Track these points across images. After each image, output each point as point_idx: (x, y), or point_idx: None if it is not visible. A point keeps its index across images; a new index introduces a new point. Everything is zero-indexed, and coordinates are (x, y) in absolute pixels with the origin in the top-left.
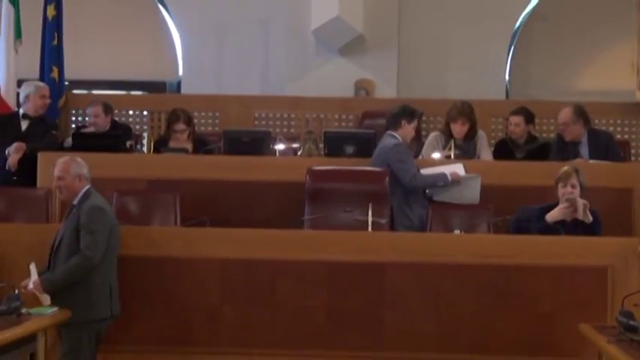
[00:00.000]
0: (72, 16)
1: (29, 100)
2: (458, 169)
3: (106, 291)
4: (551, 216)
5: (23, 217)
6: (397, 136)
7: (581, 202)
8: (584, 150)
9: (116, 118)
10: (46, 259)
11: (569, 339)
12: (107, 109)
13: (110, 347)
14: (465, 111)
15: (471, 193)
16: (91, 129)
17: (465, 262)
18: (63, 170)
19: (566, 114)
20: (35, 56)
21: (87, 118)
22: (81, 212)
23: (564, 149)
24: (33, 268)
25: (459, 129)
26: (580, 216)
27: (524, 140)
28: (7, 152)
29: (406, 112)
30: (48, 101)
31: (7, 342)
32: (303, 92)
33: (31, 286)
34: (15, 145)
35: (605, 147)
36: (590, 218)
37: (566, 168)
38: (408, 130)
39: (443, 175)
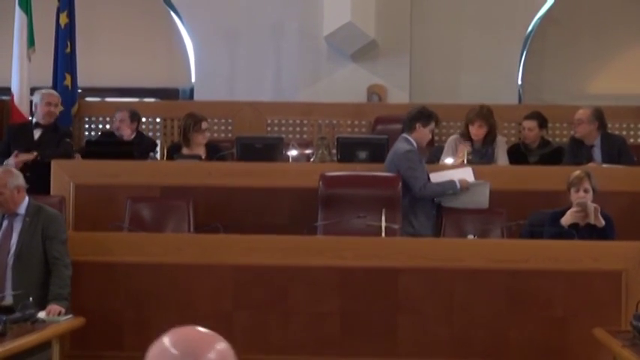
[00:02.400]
0: (84, 24)
1: (37, 108)
2: (467, 173)
3: None
4: (564, 220)
5: None
6: (411, 139)
7: (592, 206)
8: (597, 153)
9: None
10: None
11: (583, 343)
12: (134, 116)
13: (125, 354)
14: (483, 113)
15: (480, 199)
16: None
17: (479, 267)
18: (0, 185)
19: (584, 112)
20: (48, 64)
21: (111, 124)
22: (44, 222)
23: (578, 152)
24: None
25: (475, 131)
26: (591, 220)
27: (538, 145)
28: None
29: (422, 115)
30: (56, 109)
31: (22, 349)
32: (316, 98)
33: (50, 315)
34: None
35: (618, 151)
36: (602, 222)
37: (578, 172)
38: (422, 133)
39: (452, 184)
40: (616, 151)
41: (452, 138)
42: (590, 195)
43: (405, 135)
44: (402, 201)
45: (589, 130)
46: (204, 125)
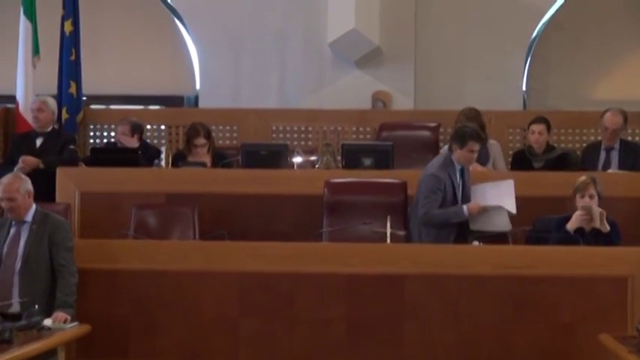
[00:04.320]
0: (89, 32)
1: None
2: (508, 186)
3: None
4: (569, 224)
5: None
6: (453, 159)
7: (597, 210)
8: (614, 158)
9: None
10: None
11: (589, 349)
12: (134, 129)
13: None
14: (472, 115)
15: (500, 221)
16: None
17: (484, 274)
18: (12, 191)
19: (618, 119)
20: (53, 72)
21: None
22: (50, 229)
23: (595, 157)
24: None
25: None
26: (597, 224)
27: (543, 150)
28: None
29: (456, 137)
30: (40, 113)
31: (28, 357)
32: (320, 105)
33: (56, 322)
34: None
35: (634, 158)
36: (607, 227)
37: (583, 178)
38: (460, 155)
39: (458, 212)
40: (631, 158)
41: (446, 146)
42: (596, 201)
43: (449, 154)
44: (414, 213)
45: (619, 136)
46: (198, 142)
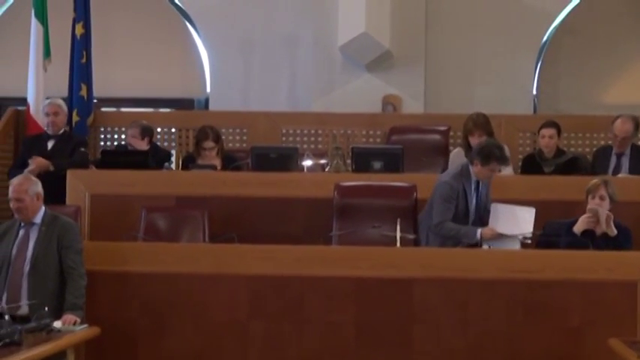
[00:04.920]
0: (100, 34)
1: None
2: (529, 213)
3: None
4: (576, 227)
5: None
6: (472, 172)
7: (604, 213)
8: (625, 163)
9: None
10: None
11: (598, 354)
12: (144, 132)
13: None
14: (481, 122)
15: (512, 245)
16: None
17: (494, 278)
18: (21, 192)
19: (629, 127)
20: (64, 74)
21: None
22: (59, 231)
23: (605, 162)
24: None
25: (476, 141)
26: (603, 227)
27: (553, 154)
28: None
29: (481, 154)
30: (56, 117)
31: (37, 359)
32: (331, 108)
33: (65, 324)
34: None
35: None
36: (615, 231)
37: (595, 180)
38: (480, 171)
39: (471, 234)
40: None
41: (456, 150)
42: (607, 203)
43: (467, 165)
44: (427, 217)
45: (630, 143)
46: (206, 145)
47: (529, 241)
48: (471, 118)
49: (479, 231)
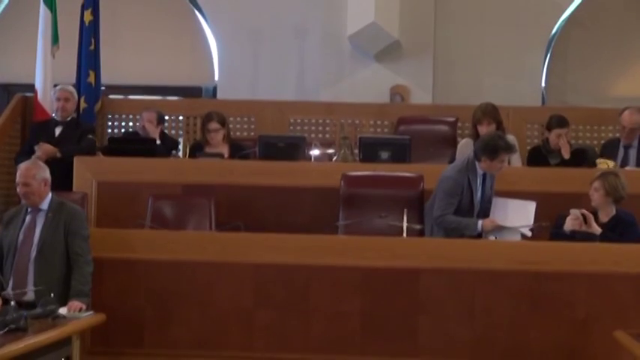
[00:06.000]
0: (108, 21)
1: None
2: (529, 207)
3: None
4: (565, 226)
5: None
6: (477, 167)
7: (577, 212)
8: (632, 155)
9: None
10: None
11: (604, 346)
12: (160, 118)
13: (145, 350)
14: (489, 110)
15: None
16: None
17: (500, 269)
18: (28, 176)
19: (636, 118)
20: (72, 61)
21: (137, 123)
22: (66, 217)
23: (613, 153)
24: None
25: (485, 129)
26: (586, 228)
27: (558, 145)
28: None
29: (486, 150)
30: (67, 103)
31: (42, 345)
32: (339, 98)
33: (71, 311)
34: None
35: None
36: (598, 230)
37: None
38: (489, 165)
39: (472, 226)
40: None
41: (465, 141)
42: (600, 194)
43: (473, 159)
44: (432, 209)
45: (637, 136)
46: (211, 126)
47: (530, 234)
48: (479, 108)
49: (480, 222)
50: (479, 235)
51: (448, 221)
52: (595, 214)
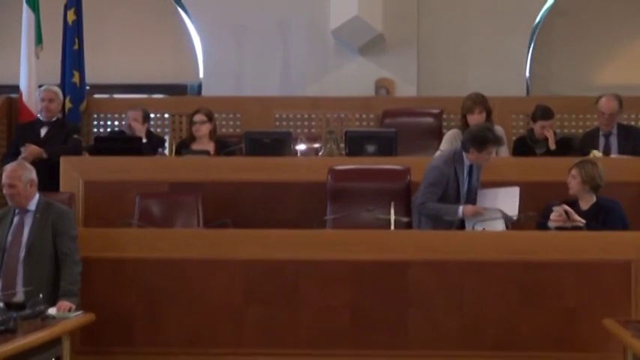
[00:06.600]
0: (92, 21)
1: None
2: (513, 193)
3: None
4: (550, 223)
5: None
6: (465, 158)
7: (558, 210)
8: (614, 143)
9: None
10: None
11: (593, 334)
12: (146, 116)
13: (135, 349)
14: (480, 99)
15: (496, 227)
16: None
17: (488, 259)
18: (14, 178)
19: (613, 104)
20: (56, 61)
21: (123, 122)
22: (54, 218)
23: (594, 142)
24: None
25: (477, 118)
26: (573, 222)
27: (544, 136)
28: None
29: (475, 141)
30: (51, 103)
31: (32, 346)
32: (324, 92)
33: (60, 311)
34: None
35: (634, 142)
36: (582, 221)
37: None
38: (476, 156)
39: (453, 211)
40: (631, 142)
41: (452, 131)
42: (578, 181)
43: (460, 150)
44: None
45: (615, 122)
46: (197, 118)
47: (514, 218)
48: (469, 98)
49: (460, 208)
50: (462, 225)
51: (429, 208)
52: (576, 202)
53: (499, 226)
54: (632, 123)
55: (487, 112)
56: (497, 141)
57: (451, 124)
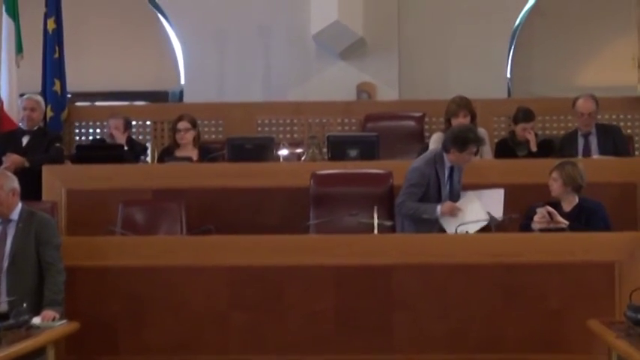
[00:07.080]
0: (72, 29)
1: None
2: (497, 195)
3: None
4: (533, 225)
5: None
6: (446, 159)
7: (542, 211)
8: (594, 144)
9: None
10: None
11: (578, 335)
12: (127, 124)
13: (120, 357)
14: (464, 102)
15: (473, 228)
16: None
17: (472, 262)
18: None
19: (591, 104)
20: (37, 70)
21: (105, 130)
22: (37, 227)
23: (574, 144)
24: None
25: (461, 122)
26: (557, 224)
27: (526, 138)
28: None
29: (456, 141)
30: (33, 112)
31: (17, 356)
32: (305, 97)
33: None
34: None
35: (614, 141)
36: (565, 223)
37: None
38: (457, 156)
39: (431, 209)
40: (611, 141)
41: (437, 135)
42: (559, 184)
43: (441, 151)
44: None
45: (594, 122)
46: (181, 125)
47: (499, 218)
48: (453, 101)
49: (439, 207)
50: (442, 230)
51: (407, 207)
52: (559, 204)
53: (479, 224)
54: (614, 123)
55: (472, 115)
56: (477, 141)
57: (433, 128)
